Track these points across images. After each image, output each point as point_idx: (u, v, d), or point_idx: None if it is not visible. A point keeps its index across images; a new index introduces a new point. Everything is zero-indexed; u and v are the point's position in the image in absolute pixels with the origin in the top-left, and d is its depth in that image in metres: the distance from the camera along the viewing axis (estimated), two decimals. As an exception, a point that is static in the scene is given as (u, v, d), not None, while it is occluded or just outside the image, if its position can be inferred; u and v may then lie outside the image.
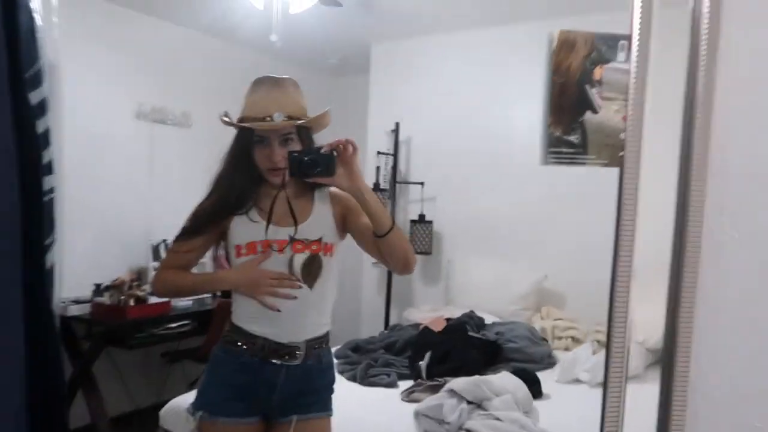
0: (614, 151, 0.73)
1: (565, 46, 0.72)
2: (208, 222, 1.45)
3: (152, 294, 3.09)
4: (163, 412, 1.94)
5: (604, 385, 0.87)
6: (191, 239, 1.45)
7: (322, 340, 1.49)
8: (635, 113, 0.74)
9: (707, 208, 0.78)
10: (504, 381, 1.84)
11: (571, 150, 0.72)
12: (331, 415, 1.52)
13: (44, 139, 0.77)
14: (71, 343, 3.07)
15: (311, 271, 1.44)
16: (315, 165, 1.34)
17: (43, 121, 0.76)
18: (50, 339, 0.76)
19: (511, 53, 3.58)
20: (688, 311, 0.82)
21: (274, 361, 1.42)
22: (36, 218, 0.76)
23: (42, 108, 0.76)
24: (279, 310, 1.40)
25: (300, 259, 1.43)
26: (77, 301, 3.03)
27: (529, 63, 3.43)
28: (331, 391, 1.53)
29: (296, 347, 1.43)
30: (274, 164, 1.41)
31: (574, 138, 0.72)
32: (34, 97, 0.74)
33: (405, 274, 1.52)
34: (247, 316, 1.45)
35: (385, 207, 1.48)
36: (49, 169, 0.77)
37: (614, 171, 0.80)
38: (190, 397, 1.94)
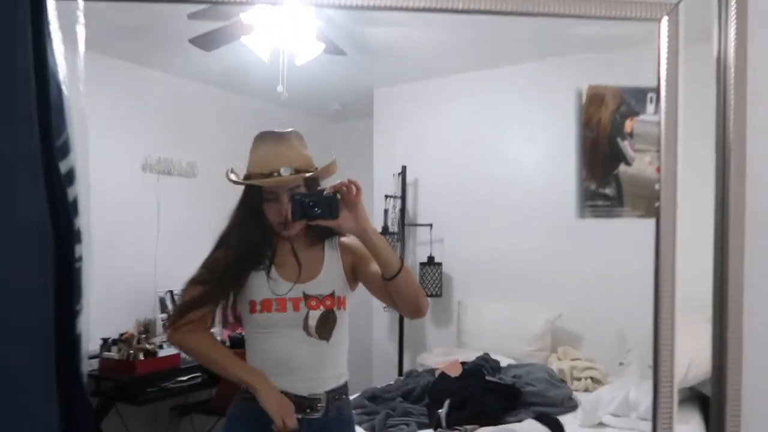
0: (650, 202, 0.72)
1: (594, 100, 0.72)
2: (231, 281, 1.42)
3: (161, 347, 3.05)
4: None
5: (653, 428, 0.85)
6: (211, 301, 1.43)
7: (342, 391, 1.46)
8: (668, 164, 0.74)
9: (746, 253, 0.77)
10: (528, 429, 1.78)
11: (606, 203, 0.71)
12: None
13: (74, 208, 0.77)
14: (79, 400, 3.01)
15: (326, 325, 1.42)
16: (317, 207, 1.30)
17: (72, 189, 0.76)
18: (82, 409, 0.73)
19: (516, 95, 3.63)
20: (736, 357, 0.80)
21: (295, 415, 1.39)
22: (66, 286, 0.74)
23: (70, 177, 0.75)
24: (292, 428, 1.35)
25: (315, 315, 1.41)
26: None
27: (534, 104, 3.50)
28: None
29: (317, 399, 1.40)
30: (285, 218, 1.39)
31: (609, 191, 0.71)
32: (63, 166, 0.74)
33: (417, 318, 1.49)
34: (264, 370, 1.41)
35: (393, 249, 1.47)
36: (78, 236, 0.77)
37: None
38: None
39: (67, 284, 0.78)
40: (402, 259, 1.44)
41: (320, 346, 1.41)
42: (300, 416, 1.38)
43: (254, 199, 1.42)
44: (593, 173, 0.71)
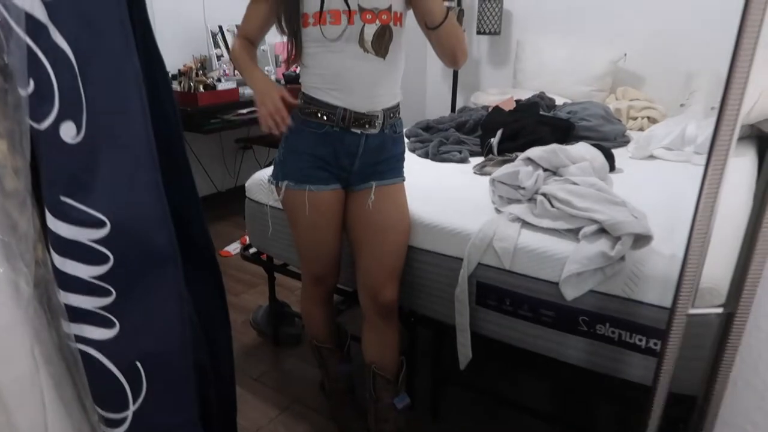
0: None
1: None
2: None
3: (219, 81, 3.12)
4: (248, 183, 2.06)
5: (709, 154, 0.83)
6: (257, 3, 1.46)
7: (396, 110, 1.52)
8: None
9: None
10: (580, 150, 1.82)
11: None
12: (404, 180, 1.59)
13: None
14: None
15: (382, 41, 1.40)
16: None
17: None
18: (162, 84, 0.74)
19: None
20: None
21: (354, 130, 1.45)
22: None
23: None
24: (272, 133, 1.42)
25: (370, 29, 1.38)
26: (149, 90, 3.11)
27: None
28: (404, 158, 1.60)
29: (375, 116, 1.46)
30: None
31: None
32: None
33: (452, 68, 1.50)
34: (323, 87, 1.44)
35: None
36: None
37: None
38: (270, 170, 2.04)
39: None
40: (448, 9, 1.38)
41: (377, 62, 1.41)
42: (359, 131, 1.45)
43: None
44: None
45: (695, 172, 2.10)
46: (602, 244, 1.36)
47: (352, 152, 1.48)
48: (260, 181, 2.01)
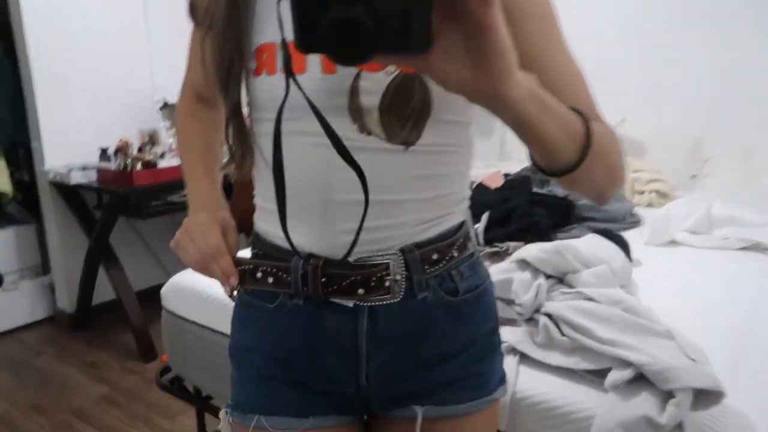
0: None
1: None
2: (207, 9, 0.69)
3: (162, 157, 2.71)
4: (164, 290, 1.60)
5: None
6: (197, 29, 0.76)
7: (453, 243, 0.70)
8: None
9: None
10: (593, 247, 1.38)
11: None
12: (496, 398, 0.75)
13: None
14: (83, 213, 2.79)
15: (403, 111, 0.63)
16: (379, 30, 0.38)
17: None
18: None
19: None
20: None
21: (337, 300, 0.68)
22: None
23: None
24: (229, 295, 0.76)
25: (373, 84, 0.62)
26: (84, 168, 2.70)
27: None
28: (495, 346, 0.76)
29: (381, 266, 0.66)
30: None
31: None
32: None
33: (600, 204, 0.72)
34: (270, 208, 0.69)
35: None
36: None
37: None
38: (193, 276, 1.59)
39: None
40: (588, 130, 0.54)
41: (388, 157, 0.64)
42: (351, 303, 0.67)
43: None
44: None
45: (742, 262, 1.67)
46: (644, 404, 0.90)
47: (350, 349, 0.69)
48: (178, 285, 1.56)
